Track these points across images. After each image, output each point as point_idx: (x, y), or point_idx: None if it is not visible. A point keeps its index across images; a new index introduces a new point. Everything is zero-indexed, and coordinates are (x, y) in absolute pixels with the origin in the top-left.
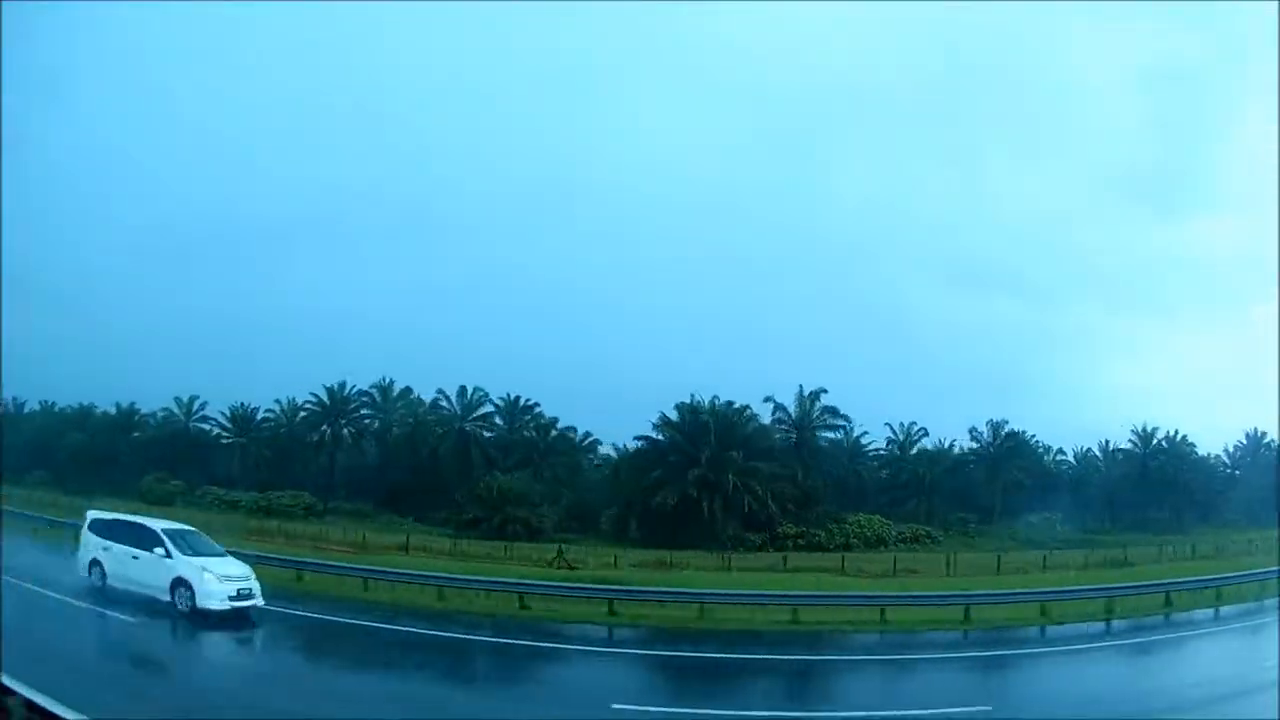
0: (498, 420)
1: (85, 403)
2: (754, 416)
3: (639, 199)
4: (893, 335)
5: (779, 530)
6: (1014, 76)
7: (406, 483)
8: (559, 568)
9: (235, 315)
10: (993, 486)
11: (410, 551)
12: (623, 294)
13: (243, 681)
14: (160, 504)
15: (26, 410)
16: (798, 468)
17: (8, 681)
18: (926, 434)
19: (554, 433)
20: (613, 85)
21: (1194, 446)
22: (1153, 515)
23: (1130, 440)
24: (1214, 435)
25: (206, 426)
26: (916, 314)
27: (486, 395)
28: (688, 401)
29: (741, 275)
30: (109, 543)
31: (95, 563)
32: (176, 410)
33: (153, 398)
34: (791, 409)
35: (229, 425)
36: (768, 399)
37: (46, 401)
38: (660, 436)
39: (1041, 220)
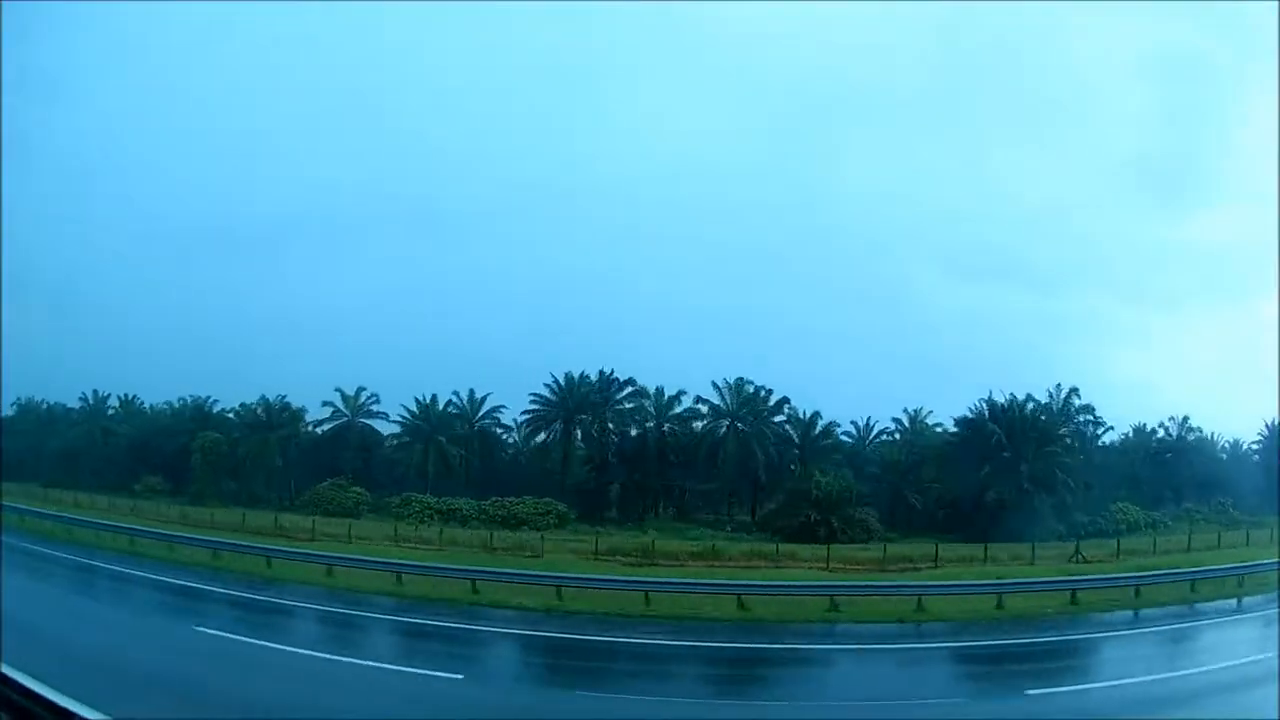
0: None
1: (200, 396)
2: (1063, 412)
3: (643, 193)
4: (899, 324)
5: (1073, 520)
6: (1021, 66)
7: (655, 484)
8: (1078, 563)
9: (241, 314)
10: (1177, 476)
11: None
12: (620, 291)
13: None
14: (341, 516)
15: (108, 409)
16: (1079, 460)
17: (9, 672)
18: (1112, 429)
19: (818, 428)
20: (618, 81)
21: None
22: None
23: (1260, 434)
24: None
25: (376, 424)
26: (922, 303)
27: (764, 390)
28: (989, 398)
29: (743, 269)
30: None
31: None
32: (341, 405)
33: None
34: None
35: (410, 422)
36: (1027, 397)
37: (127, 397)
38: (960, 430)
39: (1048, 210)
